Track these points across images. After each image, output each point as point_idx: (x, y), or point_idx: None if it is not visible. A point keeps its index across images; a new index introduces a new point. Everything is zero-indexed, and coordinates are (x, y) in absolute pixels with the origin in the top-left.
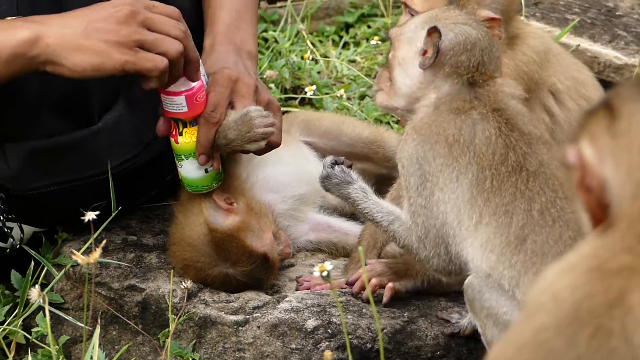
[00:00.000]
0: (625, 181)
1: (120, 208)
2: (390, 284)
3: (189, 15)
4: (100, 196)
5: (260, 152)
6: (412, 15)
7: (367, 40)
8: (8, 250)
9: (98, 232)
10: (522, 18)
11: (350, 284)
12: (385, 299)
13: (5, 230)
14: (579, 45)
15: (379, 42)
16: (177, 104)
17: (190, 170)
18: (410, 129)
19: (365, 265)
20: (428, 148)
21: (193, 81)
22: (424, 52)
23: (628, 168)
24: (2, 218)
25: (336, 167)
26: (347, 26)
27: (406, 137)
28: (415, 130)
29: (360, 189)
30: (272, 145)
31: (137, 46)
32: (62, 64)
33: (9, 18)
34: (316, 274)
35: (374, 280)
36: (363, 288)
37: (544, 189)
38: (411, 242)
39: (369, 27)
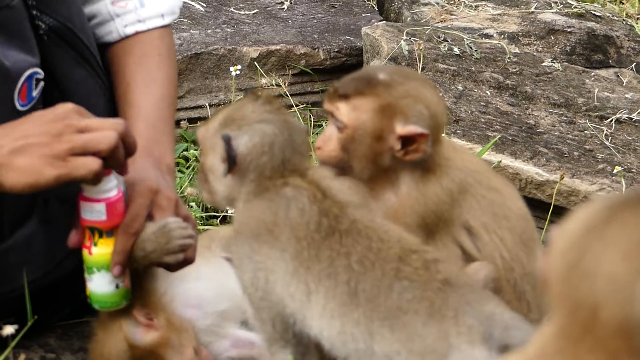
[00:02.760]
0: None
1: (36, 317)
2: None
3: None
4: (7, 315)
5: (175, 267)
6: (339, 127)
7: None
8: None
9: (14, 342)
10: (448, 141)
11: None
12: None
13: None
14: (500, 161)
15: None
16: (96, 212)
17: (100, 284)
18: (234, 232)
19: None
20: (253, 241)
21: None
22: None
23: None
24: None
25: None
26: None
27: (233, 243)
28: (237, 233)
29: None
30: (186, 262)
31: (69, 155)
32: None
33: None
34: None
35: None
36: None
37: (357, 240)
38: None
39: None
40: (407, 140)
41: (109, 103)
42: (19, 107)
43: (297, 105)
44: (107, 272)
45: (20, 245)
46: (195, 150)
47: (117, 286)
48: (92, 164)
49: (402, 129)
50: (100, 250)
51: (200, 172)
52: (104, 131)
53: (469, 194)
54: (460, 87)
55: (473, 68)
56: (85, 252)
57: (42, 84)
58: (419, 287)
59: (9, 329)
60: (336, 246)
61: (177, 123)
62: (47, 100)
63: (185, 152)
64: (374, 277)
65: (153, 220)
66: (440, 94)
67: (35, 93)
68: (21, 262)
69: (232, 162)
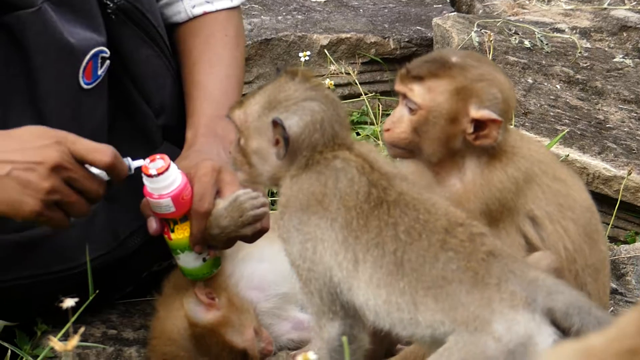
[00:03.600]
0: None
1: (97, 291)
2: None
3: (169, 113)
4: (70, 290)
5: (253, 237)
6: (411, 109)
7: None
8: None
9: (75, 316)
10: (515, 130)
11: None
12: None
13: None
14: (568, 155)
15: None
16: (164, 206)
17: (188, 261)
18: (280, 207)
19: None
20: (301, 213)
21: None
22: (276, 142)
23: None
24: None
25: None
26: None
27: (280, 217)
28: (284, 207)
29: None
30: (263, 230)
31: (52, 204)
32: None
33: None
34: None
35: None
36: None
37: (405, 212)
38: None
39: (358, 134)
40: (479, 124)
41: (175, 84)
42: (84, 85)
43: (366, 94)
44: (190, 251)
45: (83, 223)
46: None
47: (204, 259)
48: (64, 224)
49: (477, 112)
50: (178, 235)
51: (238, 154)
52: (83, 203)
53: (534, 183)
54: (530, 80)
55: (543, 62)
56: (165, 237)
57: (107, 62)
58: (464, 258)
59: (69, 302)
60: (384, 217)
61: None
62: (112, 79)
63: None
64: (420, 247)
65: (222, 197)
66: None
67: (100, 71)
68: (83, 240)
69: (287, 144)
